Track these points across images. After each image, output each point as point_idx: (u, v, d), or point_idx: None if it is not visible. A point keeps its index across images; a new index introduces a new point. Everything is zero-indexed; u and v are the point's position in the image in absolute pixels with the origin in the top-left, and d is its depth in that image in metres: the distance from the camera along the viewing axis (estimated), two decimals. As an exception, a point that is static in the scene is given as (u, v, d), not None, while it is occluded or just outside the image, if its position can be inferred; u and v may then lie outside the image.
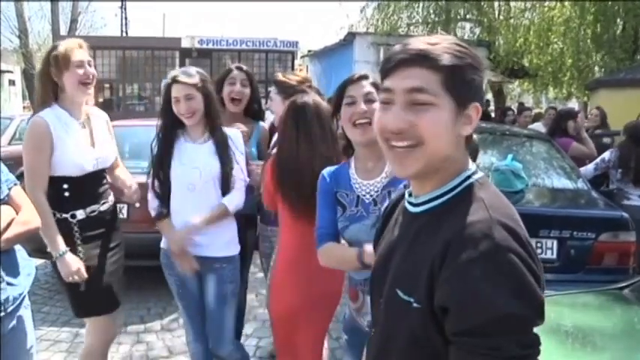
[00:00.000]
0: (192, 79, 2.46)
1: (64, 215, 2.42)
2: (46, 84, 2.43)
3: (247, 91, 3.06)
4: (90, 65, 2.46)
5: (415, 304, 0.97)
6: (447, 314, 0.91)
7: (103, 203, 2.55)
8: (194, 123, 2.50)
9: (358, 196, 1.90)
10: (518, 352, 0.86)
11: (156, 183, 2.55)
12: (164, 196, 2.54)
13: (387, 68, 1.02)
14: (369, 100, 1.87)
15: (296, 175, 2.22)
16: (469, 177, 1.03)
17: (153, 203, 2.58)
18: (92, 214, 2.48)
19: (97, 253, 2.51)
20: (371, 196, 1.88)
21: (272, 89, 3.00)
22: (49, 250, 2.37)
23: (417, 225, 1.05)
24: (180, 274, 2.57)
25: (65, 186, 2.41)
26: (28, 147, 2.38)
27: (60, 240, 2.35)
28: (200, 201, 2.50)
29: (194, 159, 2.50)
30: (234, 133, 2.64)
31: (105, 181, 2.61)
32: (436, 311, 0.93)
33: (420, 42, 1.00)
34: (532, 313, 0.88)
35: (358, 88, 1.90)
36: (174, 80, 2.46)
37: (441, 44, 0.99)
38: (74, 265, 2.35)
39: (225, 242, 2.58)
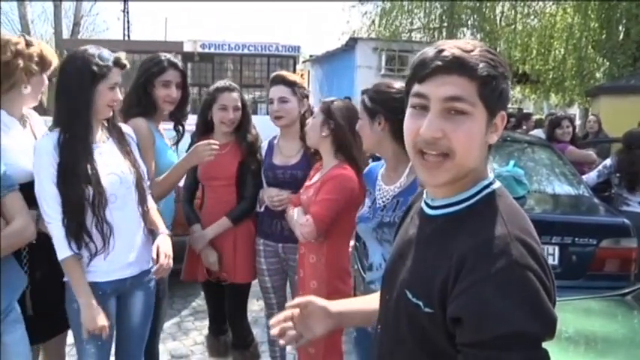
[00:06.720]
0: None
1: None
2: None
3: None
4: None
5: (426, 309, 0.97)
6: (458, 325, 0.91)
7: None
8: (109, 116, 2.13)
9: (375, 198, 1.98)
10: None
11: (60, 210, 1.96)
12: (77, 224, 1.98)
13: (423, 74, 0.98)
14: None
15: None
16: (487, 186, 1.03)
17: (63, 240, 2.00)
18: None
19: (43, 277, 2.11)
20: (383, 201, 1.94)
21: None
22: None
23: (431, 228, 1.05)
24: (104, 310, 2.04)
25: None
26: None
27: None
28: (126, 214, 2.09)
29: (106, 162, 2.06)
30: (125, 126, 2.28)
31: None
32: (448, 321, 0.93)
33: (454, 48, 0.97)
34: (544, 331, 0.89)
35: None
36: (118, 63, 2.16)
37: (475, 52, 0.97)
38: None
39: (149, 251, 2.16)
